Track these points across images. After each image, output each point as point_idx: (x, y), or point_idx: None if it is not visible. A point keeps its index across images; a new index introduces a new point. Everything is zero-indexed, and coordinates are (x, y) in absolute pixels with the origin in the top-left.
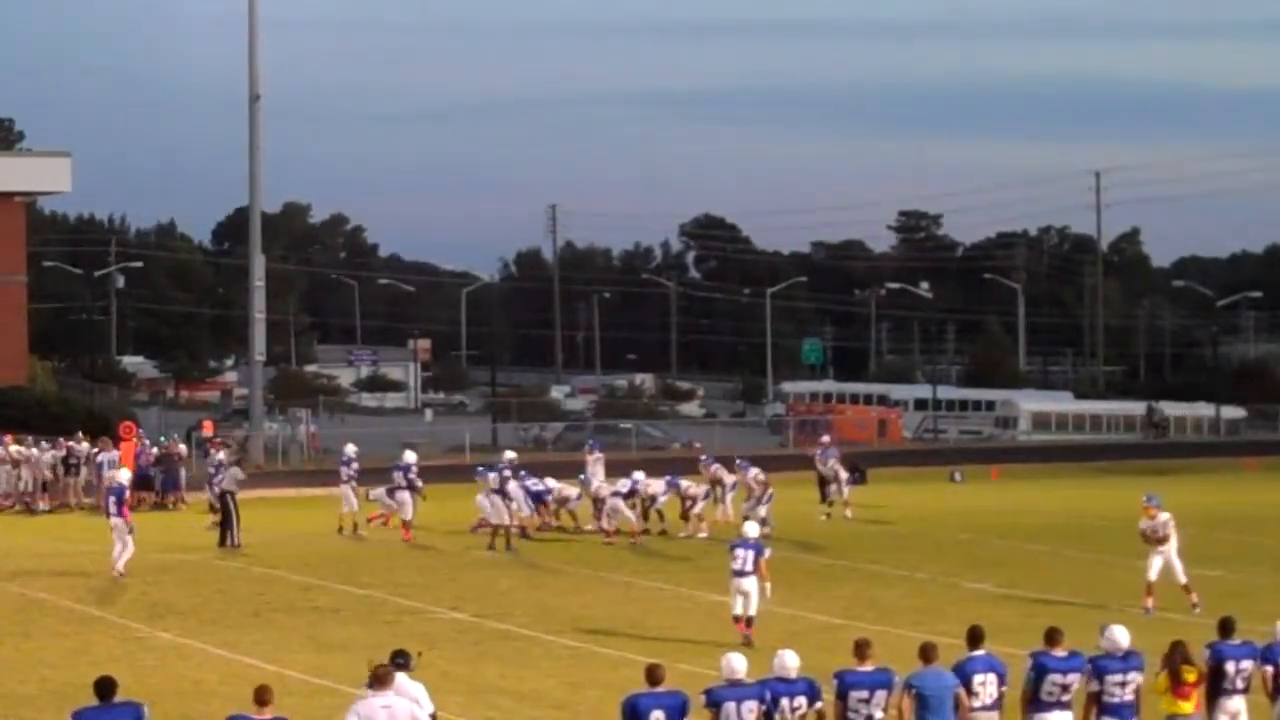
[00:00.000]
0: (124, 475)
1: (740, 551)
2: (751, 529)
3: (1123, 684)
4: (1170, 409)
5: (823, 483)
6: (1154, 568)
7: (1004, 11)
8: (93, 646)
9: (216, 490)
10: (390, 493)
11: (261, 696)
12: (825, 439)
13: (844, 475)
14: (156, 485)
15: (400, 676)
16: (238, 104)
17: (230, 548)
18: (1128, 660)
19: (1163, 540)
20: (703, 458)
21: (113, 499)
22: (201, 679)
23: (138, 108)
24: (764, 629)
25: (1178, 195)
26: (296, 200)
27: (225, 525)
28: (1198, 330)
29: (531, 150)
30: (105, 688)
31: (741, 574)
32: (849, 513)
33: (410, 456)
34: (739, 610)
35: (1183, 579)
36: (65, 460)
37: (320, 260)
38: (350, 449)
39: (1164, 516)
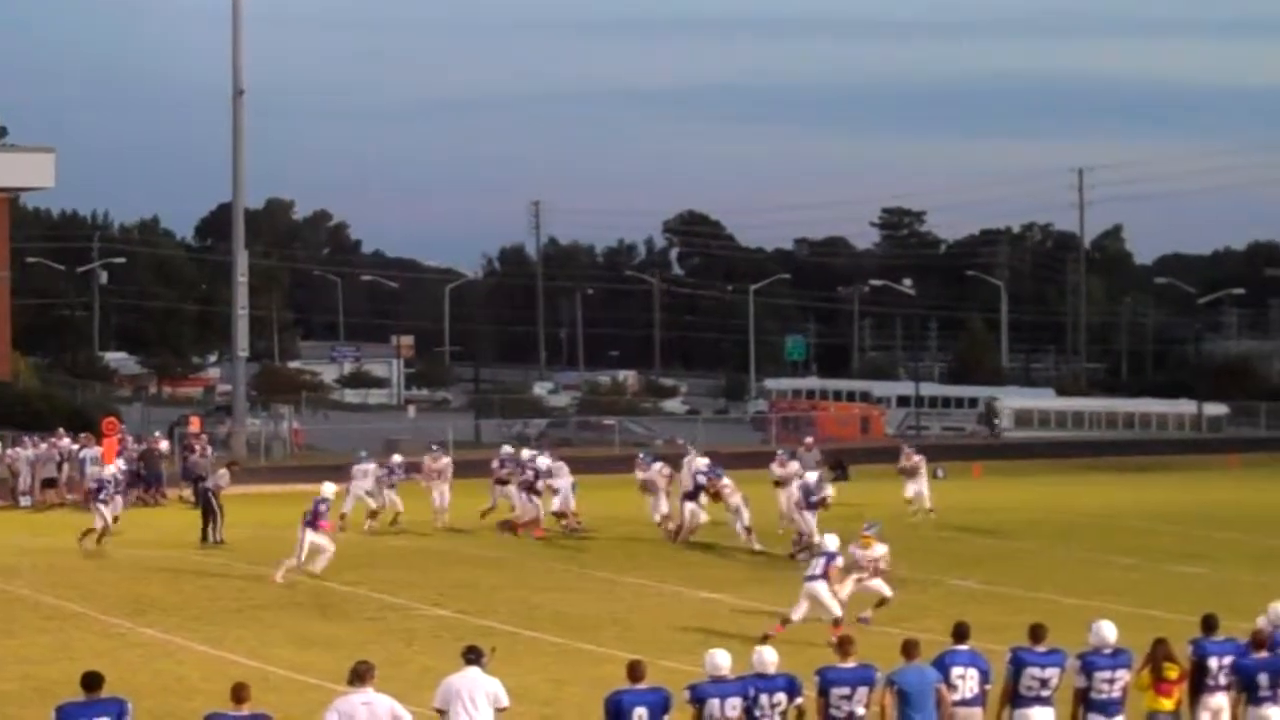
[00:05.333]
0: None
1: (815, 560)
2: (831, 541)
3: (1111, 681)
4: (1152, 406)
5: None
6: (808, 604)
7: (988, 9)
8: (75, 643)
9: (207, 485)
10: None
11: (239, 694)
12: (809, 440)
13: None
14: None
15: (474, 670)
16: (221, 100)
17: (212, 544)
18: (1116, 657)
19: (871, 573)
20: (641, 455)
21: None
22: (184, 675)
23: (121, 103)
24: (746, 626)
25: (1160, 192)
26: (280, 196)
27: (207, 521)
28: (1180, 327)
29: (515, 147)
30: (92, 681)
31: (812, 578)
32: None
33: (397, 457)
34: (796, 615)
35: (868, 614)
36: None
37: (304, 256)
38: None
39: (879, 550)
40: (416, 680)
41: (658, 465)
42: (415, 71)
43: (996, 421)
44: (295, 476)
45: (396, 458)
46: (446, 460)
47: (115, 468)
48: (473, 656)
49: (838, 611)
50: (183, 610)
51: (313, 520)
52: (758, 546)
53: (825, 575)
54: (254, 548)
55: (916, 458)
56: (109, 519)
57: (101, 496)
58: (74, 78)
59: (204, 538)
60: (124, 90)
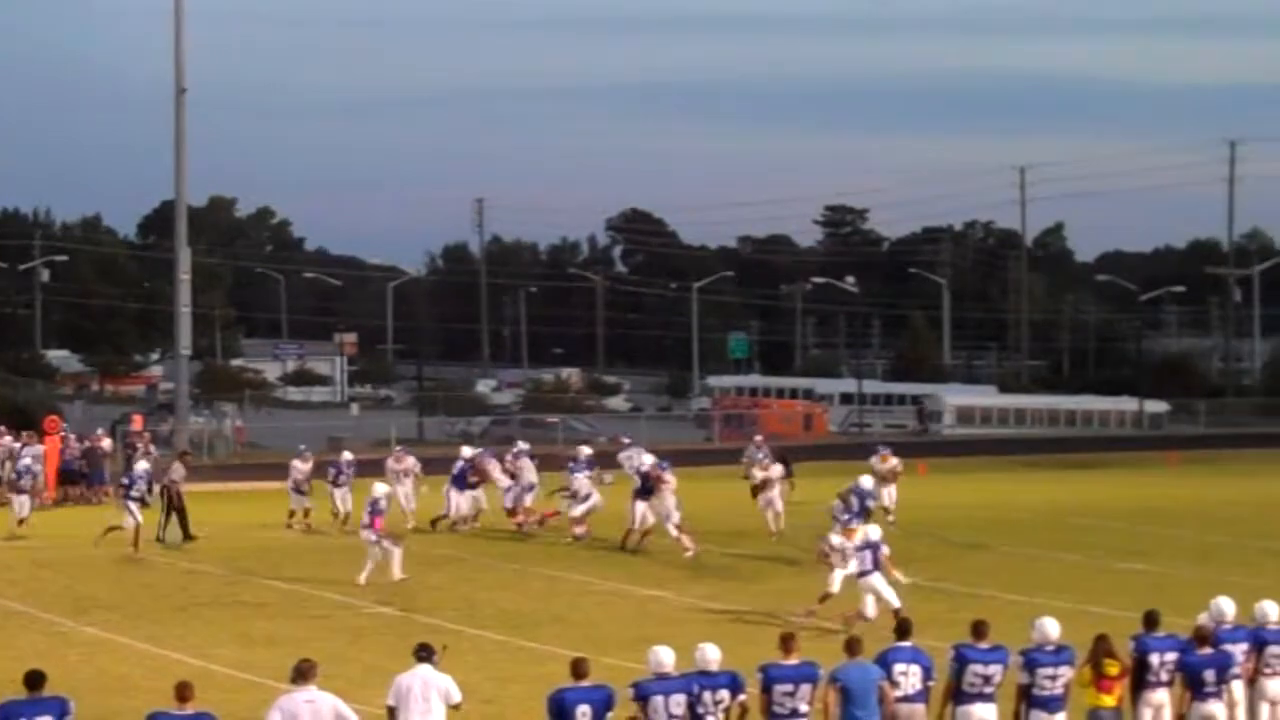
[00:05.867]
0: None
1: (862, 553)
2: (874, 530)
3: (1053, 677)
4: (1093, 403)
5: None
6: (872, 598)
7: (929, 7)
8: (16, 641)
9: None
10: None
11: (182, 693)
12: (758, 438)
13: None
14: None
15: (426, 668)
16: (164, 97)
17: (175, 543)
18: (1058, 654)
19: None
20: (478, 450)
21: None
22: (126, 674)
23: (63, 101)
24: (688, 623)
25: (1101, 190)
26: (222, 194)
27: (168, 518)
28: (1121, 324)
29: (458, 144)
30: (35, 680)
31: (865, 573)
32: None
33: (347, 455)
34: (870, 612)
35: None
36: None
37: (246, 254)
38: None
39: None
40: (360, 678)
41: (490, 461)
42: (358, 69)
43: (928, 419)
44: (238, 474)
45: (346, 455)
46: (411, 460)
47: (145, 465)
48: (424, 654)
49: (896, 602)
50: (125, 608)
51: (371, 523)
52: (690, 550)
53: (877, 567)
54: (197, 545)
55: (894, 460)
56: (139, 518)
57: (133, 494)
58: (14, 75)
59: (159, 537)
60: (66, 88)
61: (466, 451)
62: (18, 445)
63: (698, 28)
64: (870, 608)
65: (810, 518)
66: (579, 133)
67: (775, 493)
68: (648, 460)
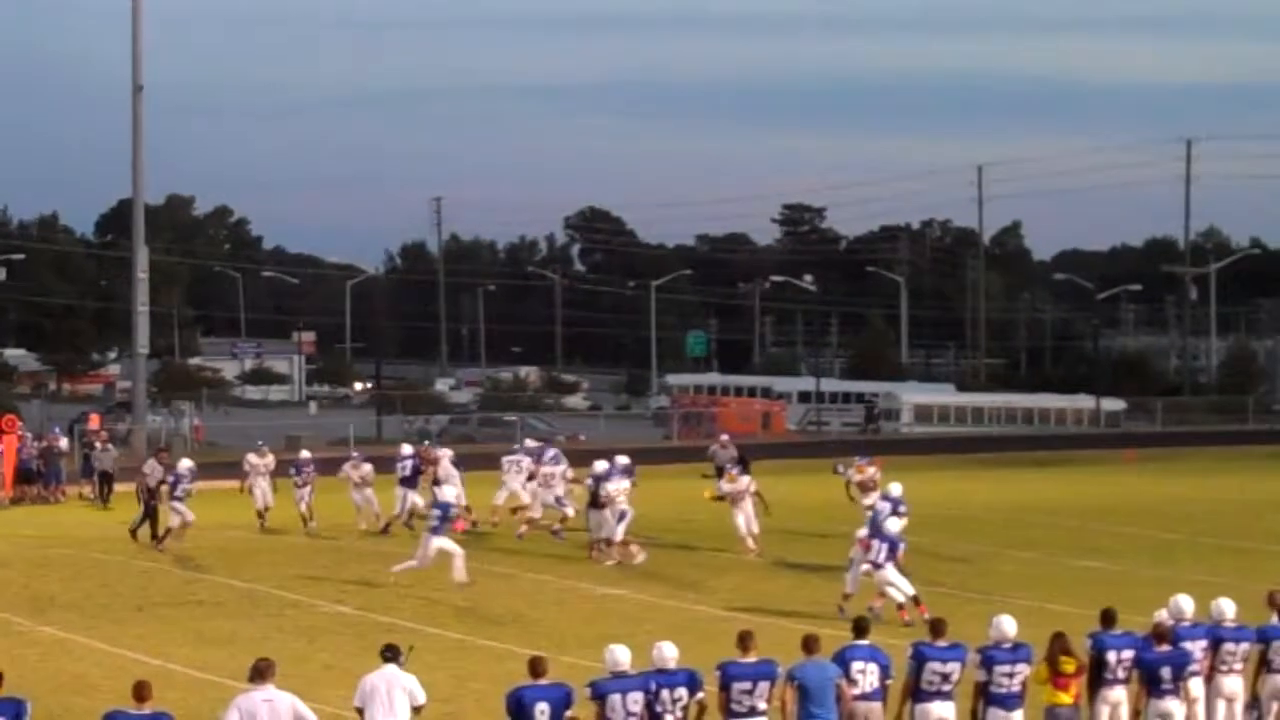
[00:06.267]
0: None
1: (876, 543)
2: (894, 524)
3: (1010, 675)
4: (1050, 401)
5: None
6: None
7: (885, 6)
8: None
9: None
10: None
11: (140, 692)
12: (724, 437)
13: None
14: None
15: (392, 668)
16: (122, 95)
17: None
18: (1016, 651)
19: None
20: (354, 454)
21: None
22: (84, 673)
23: (21, 98)
24: (647, 621)
25: (1058, 189)
26: (180, 193)
27: (156, 518)
28: (1078, 323)
29: (416, 143)
30: None
31: (878, 566)
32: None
33: (305, 453)
34: (901, 598)
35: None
36: None
37: (204, 253)
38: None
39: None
40: (317, 677)
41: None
42: (316, 68)
43: (877, 418)
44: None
45: (304, 453)
46: (368, 467)
47: (189, 463)
48: (390, 654)
49: (910, 590)
50: (81, 607)
51: (437, 528)
52: (639, 558)
53: (892, 560)
54: (151, 545)
55: (871, 470)
56: (189, 517)
57: (178, 494)
58: None
59: (154, 535)
60: (24, 85)
61: (407, 449)
62: None
63: (657, 27)
64: (900, 595)
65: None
66: (537, 131)
67: (749, 507)
68: (600, 467)
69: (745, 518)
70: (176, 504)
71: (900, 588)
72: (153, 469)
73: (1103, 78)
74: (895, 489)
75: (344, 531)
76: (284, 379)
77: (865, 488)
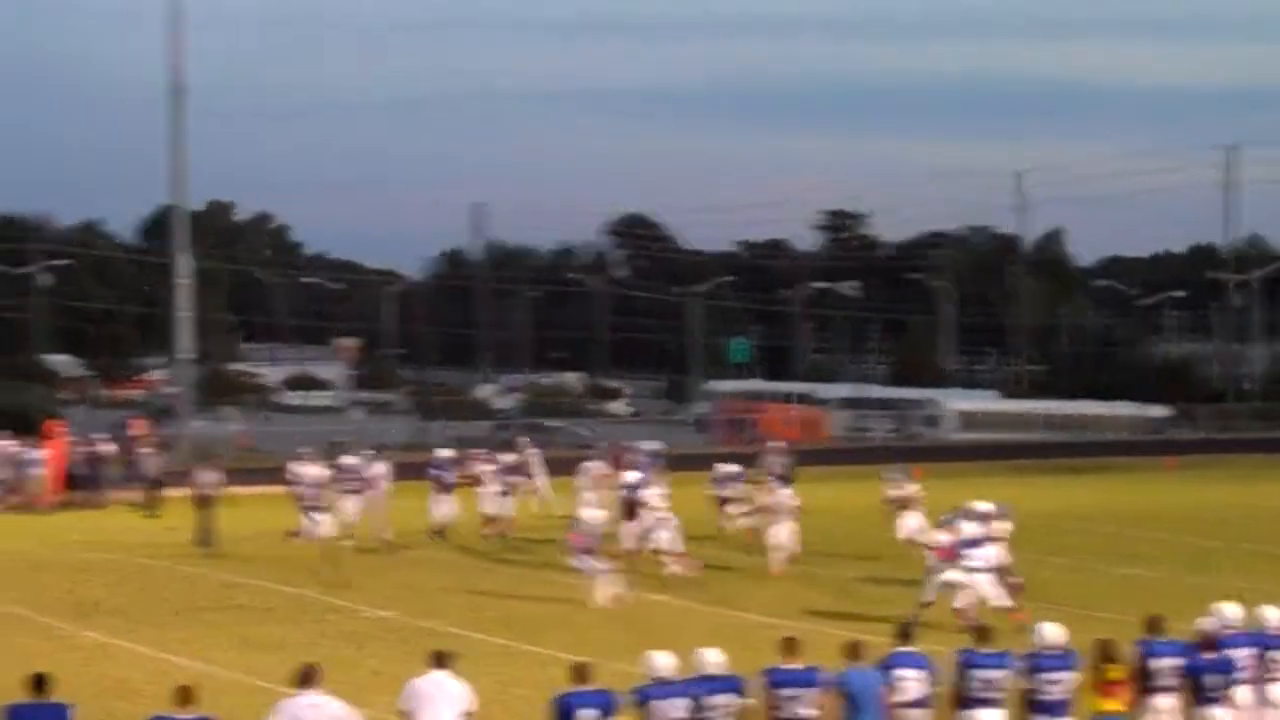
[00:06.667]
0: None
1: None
2: (970, 527)
3: (1055, 682)
4: (1093, 408)
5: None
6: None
7: (929, 9)
8: (17, 646)
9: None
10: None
11: (184, 696)
12: (781, 444)
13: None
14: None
15: (442, 674)
16: (163, 99)
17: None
18: (1061, 659)
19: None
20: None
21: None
22: (127, 678)
23: (62, 103)
24: (691, 628)
25: (1101, 195)
26: (220, 198)
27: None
28: (1120, 330)
29: (458, 148)
30: (40, 683)
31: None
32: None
33: (349, 460)
34: (959, 604)
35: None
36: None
37: (245, 258)
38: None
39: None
40: (366, 683)
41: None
42: (357, 72)
43: (916, 423)
44: (240, 479)
45: (348, 460)
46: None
47: (317, 470)
48: (442, 660)
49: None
50: (126, 612)
51: (586, 547)
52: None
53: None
54: (199, 551)
55: (911, 487)
56: (319, 521)
57: (308, 503)
58: (11, 77)
59: (204, 540)
60: (65, 90)
61: (443, 454)
62: (22, 450)
63: (697, 30)
64: (960, 600)
65: (805, 526)
66: (578, 136)
67: (787, 527)
68: (630, 477)
69: (784, 532)
70: (312, 514)
71: (978, 588)
72: (208, 476)
73: (1147, 82)
74: (981, 506)
75: (412, 539)
76: (328, 385)
77: (904, 504)
